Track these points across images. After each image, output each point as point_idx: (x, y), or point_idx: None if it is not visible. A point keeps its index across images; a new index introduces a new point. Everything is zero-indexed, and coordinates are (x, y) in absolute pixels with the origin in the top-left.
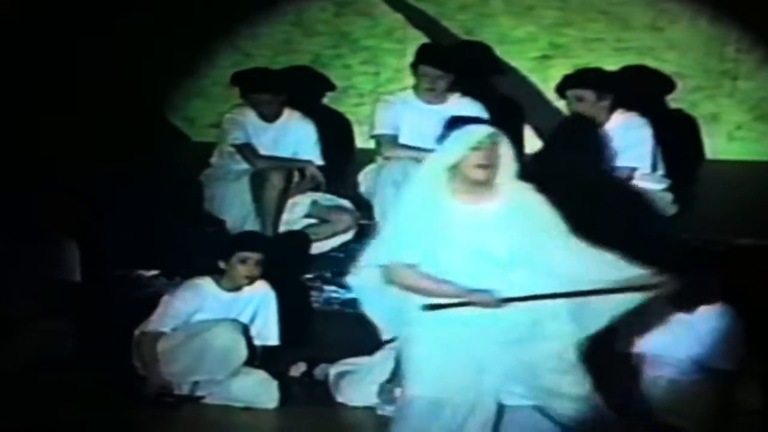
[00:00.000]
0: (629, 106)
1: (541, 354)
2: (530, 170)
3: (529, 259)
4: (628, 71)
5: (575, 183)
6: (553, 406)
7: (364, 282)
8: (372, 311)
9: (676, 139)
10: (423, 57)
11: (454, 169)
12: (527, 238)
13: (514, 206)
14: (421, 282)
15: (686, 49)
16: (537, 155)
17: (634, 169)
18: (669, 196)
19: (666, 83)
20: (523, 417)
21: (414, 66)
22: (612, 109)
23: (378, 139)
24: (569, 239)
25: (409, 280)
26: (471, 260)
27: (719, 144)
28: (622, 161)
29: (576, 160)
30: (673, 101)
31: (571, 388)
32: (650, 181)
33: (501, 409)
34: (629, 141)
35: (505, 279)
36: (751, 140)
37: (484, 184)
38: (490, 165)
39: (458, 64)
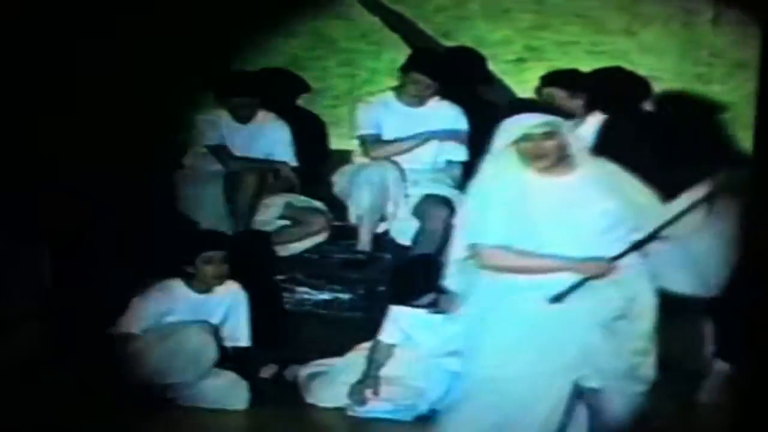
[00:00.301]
0: (606, 109)
1: (630, 334)
2: None
3: (623, 222)
4: (602, 72)
5: None
6: (623, 390)
7: (460, 276)
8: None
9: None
10: (417, 64)
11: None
12: (619, 202)
13: (595, 175)
14: (519, 260)
15: (660, 53)
16: None
17: None
18: None
19: (642, 86)
20: (591, 401)
21: (404, 71)
22: (588, 111)
23: (363, 139)
24: (650, 195)
25: (506, 261)
26: (568, 232)
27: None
28: None
29: None
30: (648, 105)
31: (647, 371)
32: None
33: (576, 391)
34: None
35: (605, 246)
36: None
37: (554, 163)
38: (543, 155)
39: (451, 73)
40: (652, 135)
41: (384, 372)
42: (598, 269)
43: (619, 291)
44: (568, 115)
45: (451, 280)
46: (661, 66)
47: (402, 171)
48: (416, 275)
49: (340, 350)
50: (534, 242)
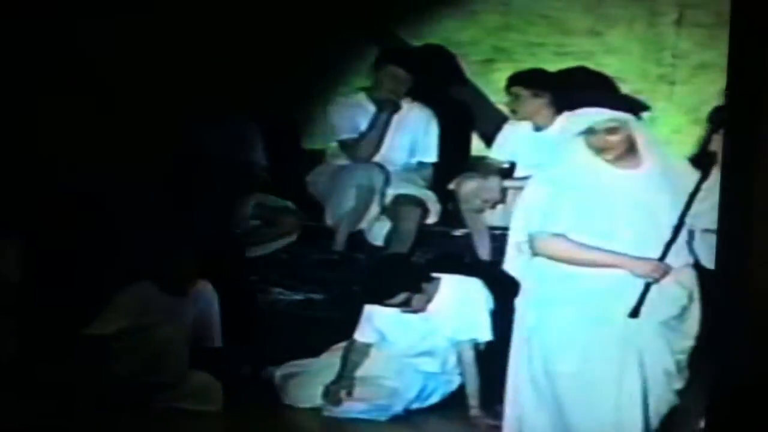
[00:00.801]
0: (573, 109)
1: (681, 333)
2: None
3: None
4: (567, 72)
5: None
6: (663, 388)
7: (516, 261)
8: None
9: None
10: (393, 57)
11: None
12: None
13: (662, 169)
14: (576, 252)
15: (624, 54)
16: None
17: None
18: None
19: (607, 86)
20: None
21: (379, 65)
22: (557, 112)
23: (344, 143)
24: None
25: (563, 252)
26: (633, 225)
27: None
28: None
29: None
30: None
31: (685, 369)
32: None
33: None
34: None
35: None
36: (688, 144)
37: (622, 155)
38: (608, 148)
39: (425, 68)
40: None
41: (359, 372)
42: (653, 270)
43: (684, 290)
44: (638, 109)
45: (510, 264)
46: (625, 67)
47: (388, 173)
48: (389, 275)
49: (315, 351)
50: (598, 233)
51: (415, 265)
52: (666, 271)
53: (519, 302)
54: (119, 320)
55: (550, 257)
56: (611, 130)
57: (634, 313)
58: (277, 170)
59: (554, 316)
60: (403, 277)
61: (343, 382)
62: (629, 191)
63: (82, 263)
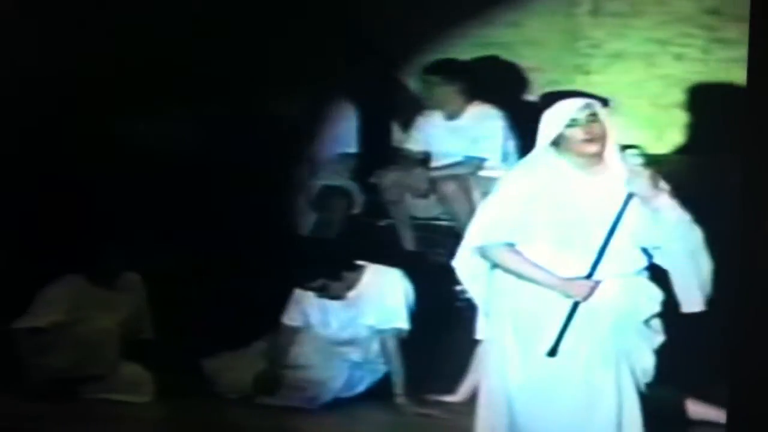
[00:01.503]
0: (485, 98)
1: (657, 330)
2: None
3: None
4: (479, 61)
5: None
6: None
7: (465, 265)
8: (474, 294)
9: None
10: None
11: (559, 145)
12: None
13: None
14: (521, 266)
15: (542, 45)
16: None
17: (483, 160)
18: None
19: (519, 75)
20: None
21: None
22: (468, 101)
23: None
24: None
25: (511, 263)
26: (590, 232)
27: None
28: (473, 152)
29: None
30: (532, 95)
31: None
32: (502, 170)
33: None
34: (482, 132)
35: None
36: None
37: (594, 157)
38: (595, 138)
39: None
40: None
41: (288, 361)
42: (580, 289)
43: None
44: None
45: (460, 263)
46: (542, 57)
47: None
48: (308, 259)
49: (245, 340)
50: (564, 242)
51: (335, 253)
52: (593, 289)
53: (484, 307)
54: (51, 313)
55: (502, 268)
56: (592, 117)
57: (551, 352)
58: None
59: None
60: (322, 263)
61: (273, 371)
62: (596, 200)
63: (9, 257)
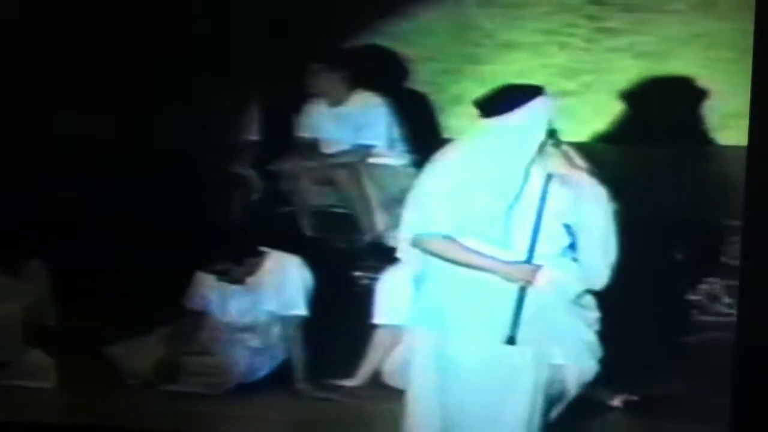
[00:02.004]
0: (368, 86)
1: (590, 307)
2: None
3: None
4: (362, 49)
5: None
6: (581, 364)
7: (405, 254)
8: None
9: (417, 117)
10: None
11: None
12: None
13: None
14: (459, 254)
15: (434, 34)
16: None
17: (371, 147)
18: (411, 170)
19: (400, 64)
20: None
21: None
22: (351, 88)
23: None
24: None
25: (448, 253)
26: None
27: (464, 125)
28: (360, 139)
29: None
30: (423, 84)
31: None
32: (390, 157)
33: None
34: (367, 119)
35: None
36: None
37: None
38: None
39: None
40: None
41: (191, 347)
42: (523, 274)
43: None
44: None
45: (401, 251)
46: (434, 46)
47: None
48: (212, 243)
49: (148, 325)
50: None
51: (238, 238)
52: (535, 272)
53: (416, 293)
54: None
55: (438, 257)
56: None
57: (511, 339)
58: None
59: (460, 304)
60: (225, 248)
61: (174, 357)
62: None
63: None
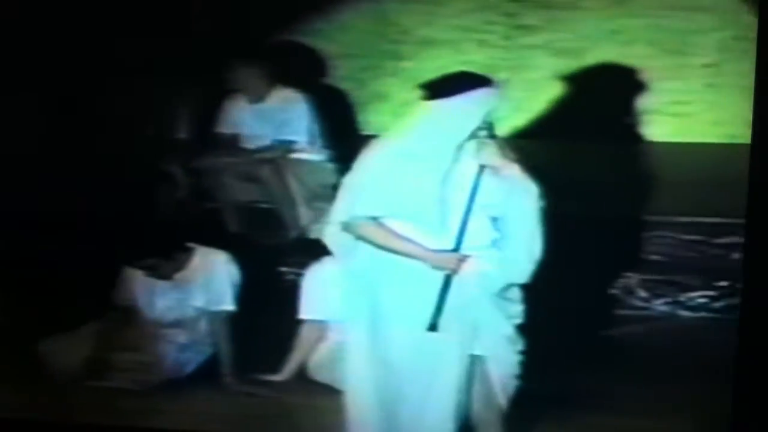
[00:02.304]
0: (288, 83)
1: (513, 299)
2: None
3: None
4: (280, 45)
5: None
6: (505, 355)
7: (333, 238)
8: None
9: (337, 113)
10: None
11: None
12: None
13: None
14: (387, 239)
15: (354, 31)
16: None
17: (292, 143)
18: (331, 166)
19: (320, 60)
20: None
21: None
22: (271, 84)
23: None
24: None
25: (377, 237)
26: (448, 213)
27: (386, 121)
28: (281, 135)
29: None
30: (345, 80)
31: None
32: (311, 153)
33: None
34: (287, 115)
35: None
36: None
37: None
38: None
39: None
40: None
41: (118, 342)
42: (449, 262)
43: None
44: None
45: (330, 239)
46: (355, 43)
47: None
48: (142, 238)
49: (77, 321)
50: (408, 219)
51: (164, 234)
52: (461, 261)
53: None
54: None
55: (368, 242)
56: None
57: (433, 326)
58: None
59: (384, 295)
60: (151, 243)
61: (104, 353)
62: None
63: None
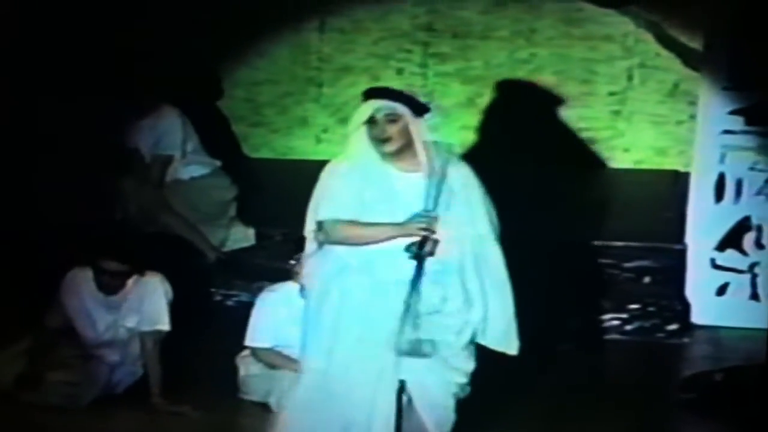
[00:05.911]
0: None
1: (448, 320)
2: None
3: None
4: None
5: None
6: (443, 380)
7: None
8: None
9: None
10: None
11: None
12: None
13: (439, 175)
14: (354, 230)
15: (275, 58)
16: None
17: (171, 156)
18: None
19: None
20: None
21: None
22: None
23: None
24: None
25: (344, 232)
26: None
27: (308, 146)
28: (159, 149)
29: None
30: (268, 105)
31: (464, 361)
32: (194, 165)
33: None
34: (163, 129)
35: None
36: (335, 142)
37: (400, 154)
38: (392, 137)
39: None
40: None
41: (52, 360)
42: (421, 224)
43: (433, 291)
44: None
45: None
46: (276, 70)
47: None
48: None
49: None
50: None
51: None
52: (436, 220)
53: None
54: None
55: (341, 242)
56: (390, 118)
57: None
58: None
59: (325, 315)
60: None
61: (37, 370)
62: (410, 193)
63: None
